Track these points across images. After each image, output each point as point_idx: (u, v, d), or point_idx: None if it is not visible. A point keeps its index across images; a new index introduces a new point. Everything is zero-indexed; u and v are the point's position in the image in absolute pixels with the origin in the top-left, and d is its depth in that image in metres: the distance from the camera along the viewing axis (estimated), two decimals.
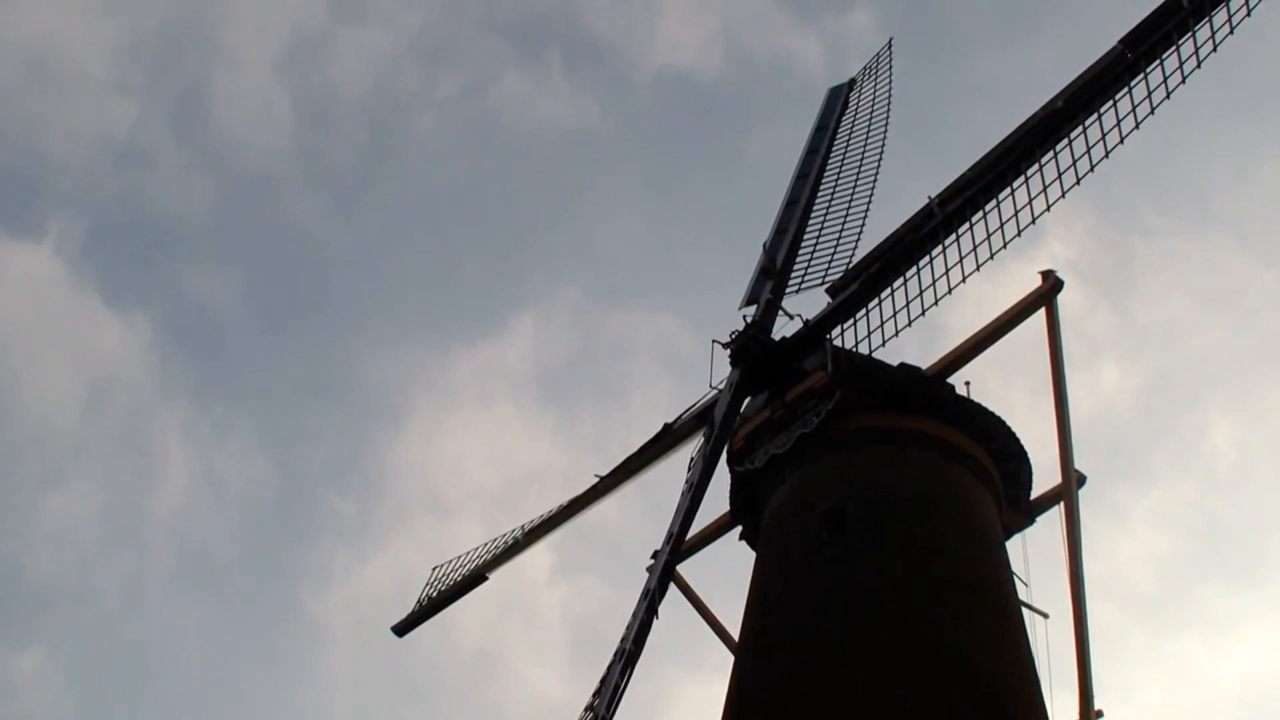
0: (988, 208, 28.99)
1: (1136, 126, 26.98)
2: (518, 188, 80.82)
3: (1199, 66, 26.85)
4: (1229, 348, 69.79)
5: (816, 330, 30.52)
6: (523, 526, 35.54)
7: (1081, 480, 29.54)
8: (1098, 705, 27.50)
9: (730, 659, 29.24)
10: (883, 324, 29.58)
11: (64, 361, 78.58)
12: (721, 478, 30.73)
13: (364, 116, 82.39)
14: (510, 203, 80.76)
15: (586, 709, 26.57)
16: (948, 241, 29.27)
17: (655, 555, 29.67)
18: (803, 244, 32.92)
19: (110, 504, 78.76)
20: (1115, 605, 69.18)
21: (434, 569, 37.03)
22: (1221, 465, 70.87)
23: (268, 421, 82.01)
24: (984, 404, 29.68)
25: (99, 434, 79.82)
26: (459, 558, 36.48)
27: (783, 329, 31.06)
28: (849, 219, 32.61)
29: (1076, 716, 27.22)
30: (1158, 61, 27.54)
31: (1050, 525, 29.52)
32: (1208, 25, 26.96)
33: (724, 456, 30.11)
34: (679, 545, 28.81)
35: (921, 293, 29.25)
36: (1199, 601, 74.07)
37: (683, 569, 32.19)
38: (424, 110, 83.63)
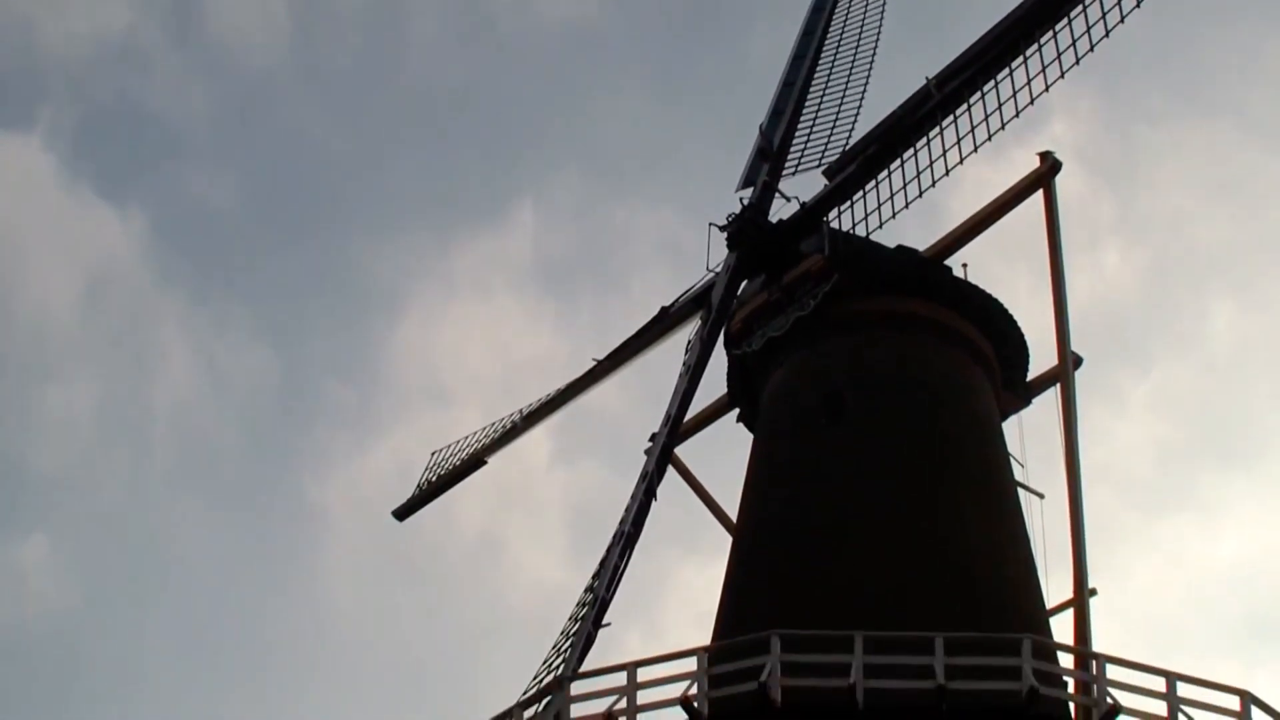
0: (986, 88, 28.72)
1: (1138, 4, 26.65)
2: (516, 81, 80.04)
3: None
4: (1231, 236, 69.60)
5: (814, 213, 30.38)
6: (521, 411, 35.70)
7: (1078, 362, 29.63)
8: (1092, 584, 27.82)
9: (728, 540, 29.58)
10: (880, 206, 29.46)
11: (61, 256, 78.36)
12: (719, 361, 30.83)
13: (362, 13, 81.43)
14: (508, 96, 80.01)
15: (587, 590, 26.86)
16: (945, 123, 29.05)
17: (653, 438, 29.83)
18: (799, 126, 32.60)
19: (110, 397, 78.96)
20: (1110, 487, 69.81)
21: (433, 454, 37.28)
22: (1219, 351, 71.07)
23: (266, 313, 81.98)
24: (982, 287, 29.67)
25: (98, 328, 79.85)
26: (458, 442, 36.73)
27: (780, 212, 30.93)
28: (846, 100, 32.27)
29: (1071, 595, 27.54)
30: None
31: (1047, 408, 29.68)
32: None
33: (721, 340, 30.15)
34: (677, 428, 28.96)
35: (919, 175, 29.11)
36: (1193, 484, 74.71)
37: (681, 452, 32.39)
38: (422, 6, 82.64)
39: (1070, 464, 28.42)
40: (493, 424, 36.26)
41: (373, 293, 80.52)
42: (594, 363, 34.24)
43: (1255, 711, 20.17)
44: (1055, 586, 27.56)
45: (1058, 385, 29.08)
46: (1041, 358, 29.89)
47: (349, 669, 72.66)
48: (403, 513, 37.35)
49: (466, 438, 36.60)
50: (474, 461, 35.95)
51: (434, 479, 36.65)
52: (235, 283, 78.74)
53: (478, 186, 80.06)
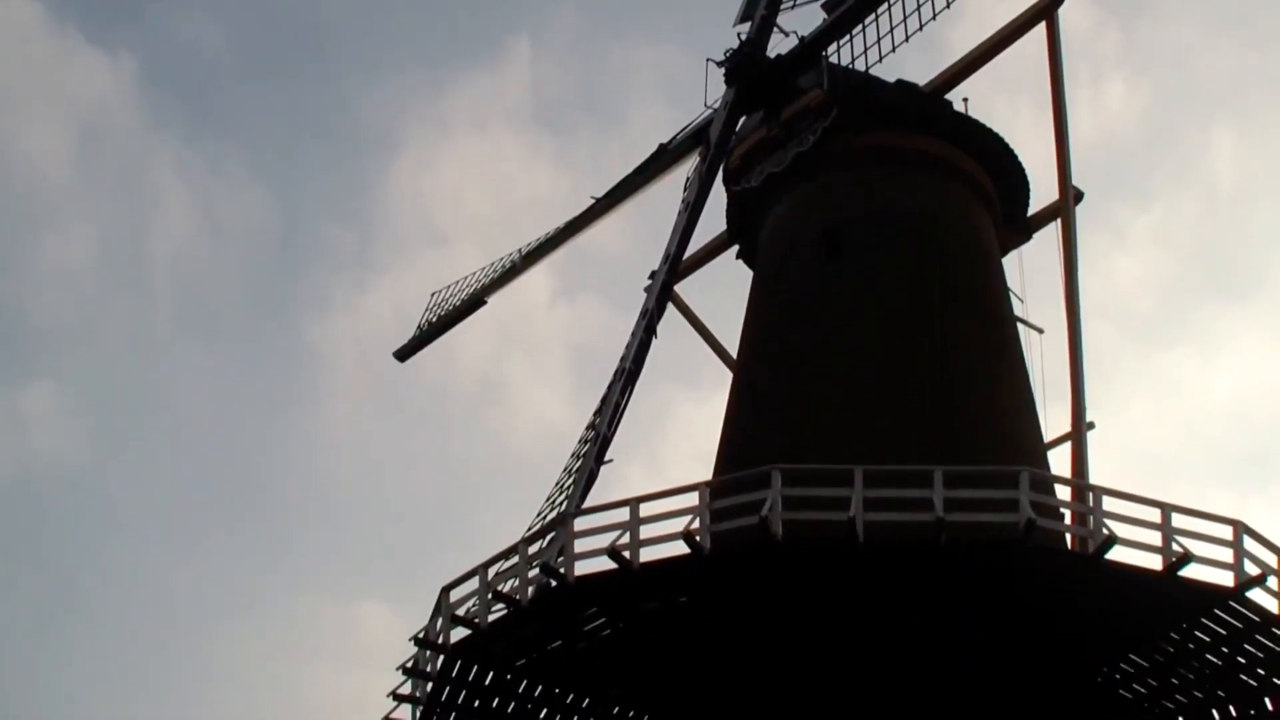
0: None
1: None
2: None
3: None
4: (1236, 69, 68.76)
5: (812, 47, 29.98)
6: (520, 250, 35.60)
7: (1079, 197, 29.50)
8: (1089, 417, 28.04)
9: (729, 377, 29.74)
10: (879, 40, 29.05)
11: (53, 105, 77.35)
12: (718, 198, 30.69)
13: None
14: None
15: (589, 427, 27.08)
16: None
17: (653, 276, 29.80)
18: None
19: (108, 246, 78.69)
20: (1110, 322, 70.04)
21: (433, 294, 37.25)
22: (1222, 185, 70.74)
23: (262, 156, 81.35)
24: (983, 122, 29.41)
25: (93, 176, 79.28)
26: (457, 283, 36.68)
27: (778, 47, 30.51)
28: None
29: (1069, 428, 27.78)
30: None
31: (1047, 243, 29.64)
32: None
33: (720, 176, 29.96)
34: (676, 265, 28.92)
35: (919, 7, 28.63)
36: (1192, 318, 74.94)
37: (681, 289, 32.40)
38: None
39: (1070, 299, 28.45)
40: (492, 264, 36.19)
41: (368, 133, 79.82)
42: (593, 201, 34.04)
43: (1248, 541, 20.44)
44: (1053, 420, 27.82)
45: (1058, 220, 29.00)
46: (1042, 192, 29.79)
47: (353, 510, 73.62)
48: (403, 354, 37.44)
49: (466, 278, 36.55)
50: (474, 302, 35.94)
51: (434, 320, 36.67)
52: (230, 126, 78.14)
53: (473, 23, 78.98)
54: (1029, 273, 29.67)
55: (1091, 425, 27.91)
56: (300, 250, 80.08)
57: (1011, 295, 28.69)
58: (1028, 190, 29.76)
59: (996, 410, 25.50)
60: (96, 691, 67.07)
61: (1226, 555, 20.41)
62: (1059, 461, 27.59)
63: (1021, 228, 29.84)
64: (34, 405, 74.58)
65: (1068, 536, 22.84)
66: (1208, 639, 21.14)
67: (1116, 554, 19.99)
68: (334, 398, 76.30)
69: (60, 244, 75.86)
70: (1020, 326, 28.32)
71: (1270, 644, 20.77)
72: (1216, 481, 68.56)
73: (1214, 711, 22.51)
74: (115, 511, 73.31)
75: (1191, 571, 20.08)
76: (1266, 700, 21.76)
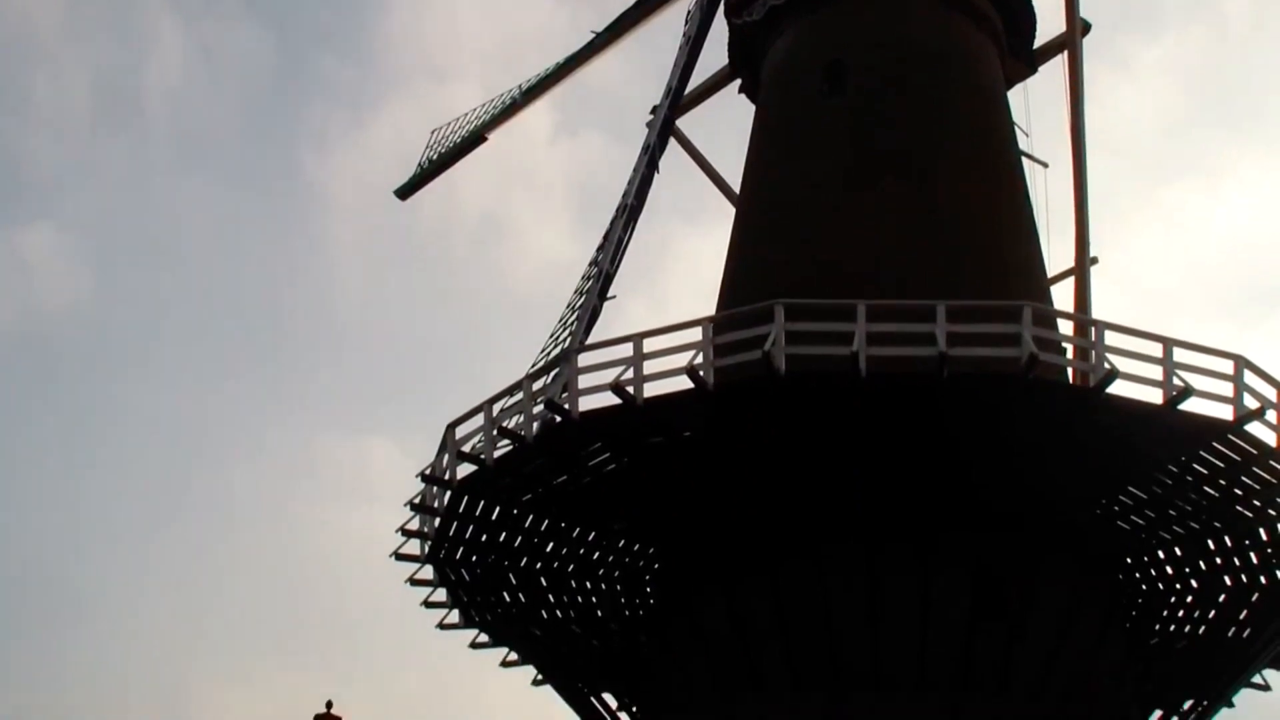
0: None
1: None
2: None
3: None
4: None
5: None
6: (520, 86, 35.21)
7: (1087, 29, 29.06)
8: (1093, 252, 28.01)
9: (732, 211, 29.58)
10: None
11: None
12: (720, 31, 30.25)
13: None
14: None
15: (591, 264, 27.06)
16: None
17: (654, 111, 29.51)
18: None
19: (102, 85, 77.89)
20: (1115, 156, 69.49)
21: (433, 132, 36.89)
22: (1233, 17, 69.64)
23: None
24: None
25: (84, 14, 78.15)
26: (458, 120, 36.34)
27: None
28: None
29: (1072, 263, 27.75)
30: None
31: (1053, 76, 29.27)
32: None
33: (722, 9, 29.49)
34: (678, 100, 28.63)
35: None
36: (1199, 152, 74.39)
37: (683, 124, 32.04)
38: None
39: (1075, 132, 28.24)
40: (492, 100, 35.84)
41: None
42: (593, 35, 33.56)
43: (1248, 375, 20.51)
44: (1057, 255, 27.77)
45: (1065, 53, 28.64)
46: (1049, 25, 29.31)
47: (359, 348, 73.91)
48: (404, 192, 37.21)
49: (466, 114, 36.22)
50: (474, 138, 35.62)
51: (434, 157, 36.38)
52: None
53: None
54: (1034, 106, 29.37)
55: (1095, 260, 27.91)
56: (298, 86, 79.32)
57: (1016, 129, 28.42)
58: (1034, 22, 29.29)
59: (1000, 245, 25.42)
60: (109, 530, 68.09)
61: (1226, 389, 20.50)
62: (1062, 296, 27.66)
63: (1027, 61, 29.43)
64: (36, 248, 74.49)
65: (1069, 371, 22.94)
66: (1205, 472, 21.35)
67: (1117, 388, 20.08)
68: (336, 236, 76.20)
69: (54, 85, 75.05)
70: (1025, 161, 28.10)
71: (1267, 476, 20.99)
72: (1219, 316, 68.78)
73: (1209, 542, 22.86)
74: (121, 353, 73.68)
75: (1191, 405, 20.19)
76: (1261, 531, 22.08)
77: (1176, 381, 20.01)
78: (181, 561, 66.21)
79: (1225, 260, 71.29)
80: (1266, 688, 26.00)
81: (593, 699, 25.76)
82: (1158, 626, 24.75)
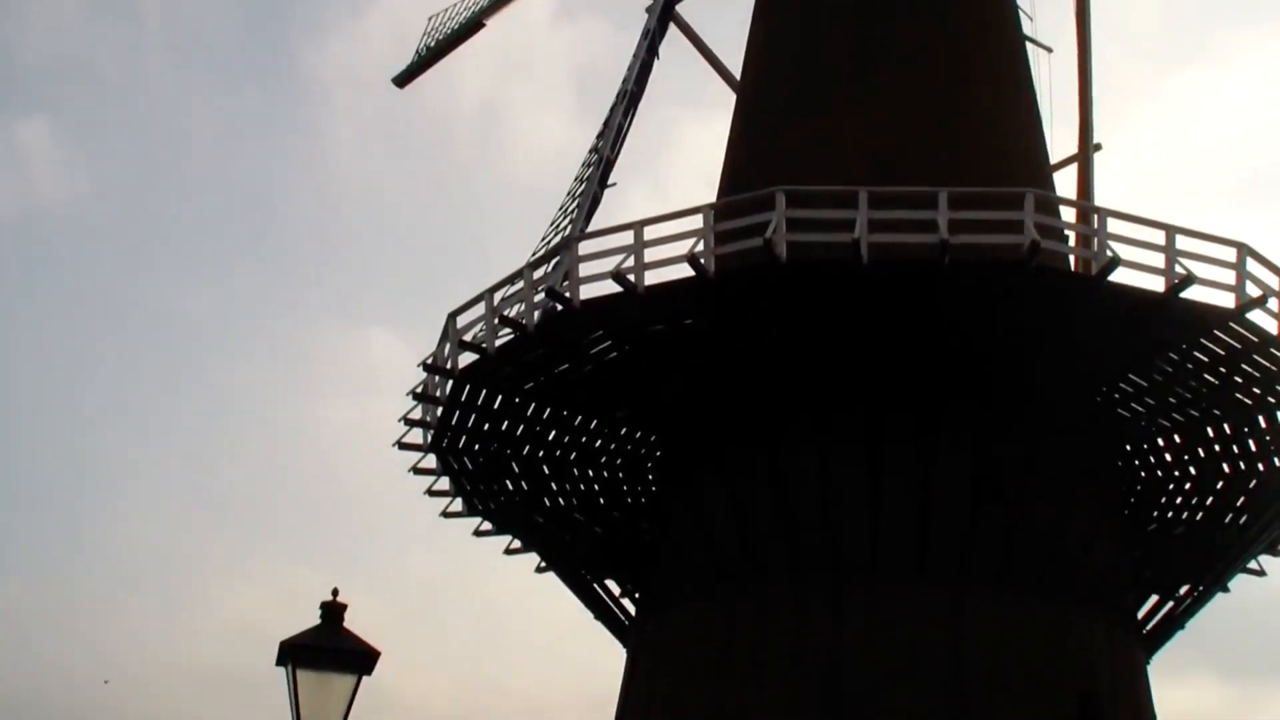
0: None
1: None
2: None
3: None
4: None
5: None
6: None
7: None
8: (1097, 139, 27.79)
9: (732, 98, 29.30)
10: None
11: None
12: None
13: None
14: None
15: (591, 151, 26.93)
16: None
17: None
18: None
19: None
20: (1120, 41, 68.77)
21: (430, 18, 36.39)
22: None
23: None
24: None
25: None
26: (455, 5, 35.86)
27: None
28: None
29: (1076, 149, 27.55)
30: None
31: None
32: None
33: None
34: None
35: None
36: (1204, 38, 73.57)
37: (683, 10, 31.62)
38: None
39: (1080, 17, 27.93)
40: None
41: None
42: None
43: (1250, 263, 20.45)
44: (1060, 141, 27.55)
45: None
46: None
47: (358, 239, 73.72)
48: (402, 80, 36.79)
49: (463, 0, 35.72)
50: (472, 24, 35.15)
51: (432, 44, 35.94)
52: None
53: None
54: None
55: (1098, 147, 27.72)
56: None
57: (1020, 13, 28.06)
58: None
59: (1002, 131, 25.23)
60: (109, 424, 68.39)
61: (1229, 277, 20.45)
62: (1065, 183, 27.49)
63: None
64: (32, 143, 73.99)
65: (1071, 258, 22.88)
66: (1206, 360, 21.39)
67: (1119, 276, 20.04)
68: (334, 125, 75.68)
69: None
70: (1028, 46, 27.78)
71: (1267, 364, 21.02)
72: (1222, 204, 68.43)
73: (1208, 430, 22.96)
74: (119, 248, 73.56)
75: (1193, 293, 20.16)
76: (1260, 418, 22.15)
77: (1179, 269, 19.96)
78: (182, 456, 66.62)
79: (1230, 147, 70.82)
80: (1262, 573, 26.27)
81: (595, 586, 26.04)
82: (1156, 513, 24.97)
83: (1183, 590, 24.50)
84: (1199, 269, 20.15)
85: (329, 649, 10.20)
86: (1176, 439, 23.51)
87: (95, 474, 66.45)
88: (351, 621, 10.41)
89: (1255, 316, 20.49)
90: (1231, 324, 20.52)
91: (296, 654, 10.12)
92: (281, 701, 10.10)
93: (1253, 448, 22.75)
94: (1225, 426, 22.70)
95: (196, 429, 68.16)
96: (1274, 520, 23.48)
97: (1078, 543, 21.66)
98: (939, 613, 21.19)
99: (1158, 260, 20.14)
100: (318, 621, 10.38)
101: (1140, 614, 24.17)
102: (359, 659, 10.23)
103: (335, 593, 10.52)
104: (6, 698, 49.12)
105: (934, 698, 20.57)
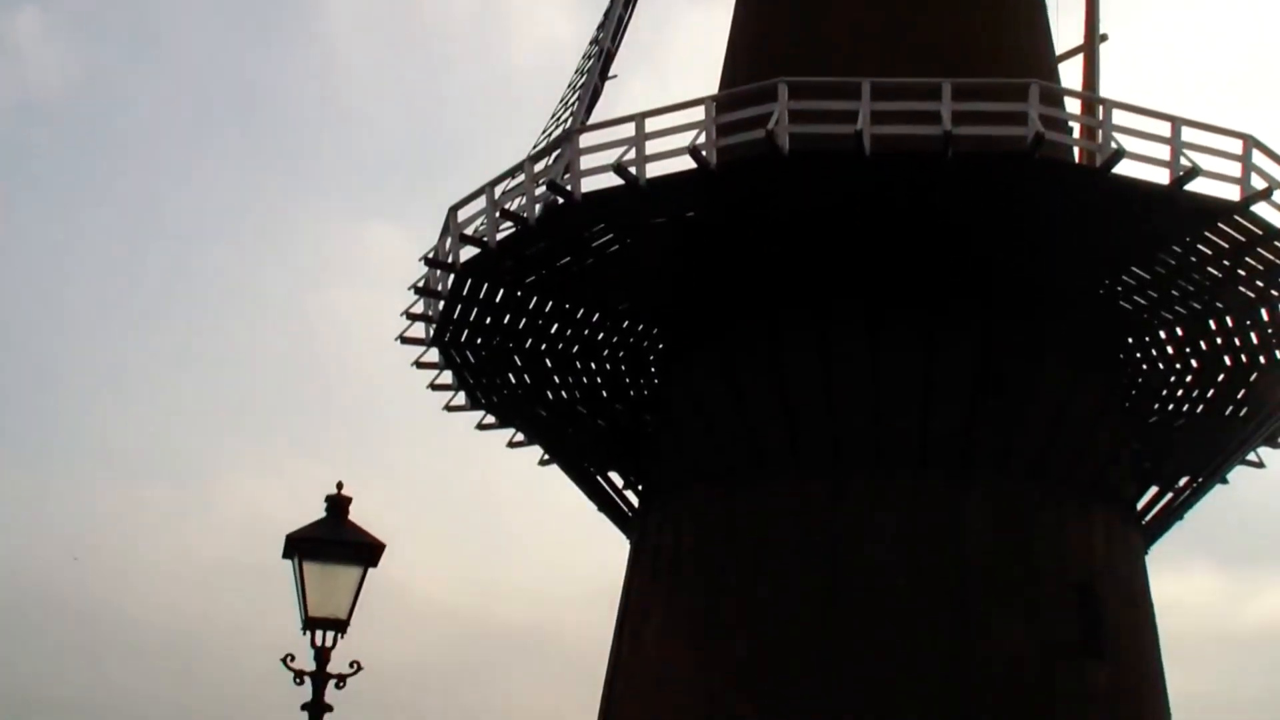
0: None
1: None
2: None
3: None
4: None
5: None
6: None
7: None
8: (1103, 29, 27.43)
9: None
10: None
11: None
12: None
13: None
14: None
15: (591, 42, 26.65)
16: None
17: None
18: None
19: None
20: None
21: None
22: None
23: None
24: None
25: None
26: None
27: None
28: None
29: (1082, 40, 27.22)
30: None
31: None
32: None
33: None
34: None
35: None
36: None
37: None
38: None
39: None
40: None
41: None
42: None
43: (1256, 155, 20.32)
44: (1066, 33, 27.21)
45: None
46: None
47: (358, 132, 73.22)
48: None
49: None
50: None
51: None
52: None
53: None
54: None
55: (1104, 37, 27.32)
56: None
57: None
58: None
59: (1007, 22, 24.93)
60: (97, 323, 68.32)
61: (1234, 169, 20.36)
62: (1070, 74, 27.18)
63: None
64: (23, 31, 73.17)
65: (1076, 150, 22.71)
66: (1210, 252, 21.35)
67: (1124, 168, 19.93)
68: (334, 15, 74.81)
69: None
70: None
71: (1271, 257, 20.97)
72: (1229, 96, 67.76)
73: (1211, 322, 22.97)
74: (114, 136, 73.01)
75: (1198, 186, 20.09)
76: (1262, 311, 22.15)
77: (1184, 161, 19.86)
78: (180, 350, 66.62)
79: (1238, 39, 69.97)
80: (1261, 465, 26.43)
81: (598, 478, 26.20)
82: (1157, 406, 25.06)
83: (1182, 482, 24.63)
84: (1204, 161, 20.06)
85: (334, 541, 10.30)
86: (1179, 331, 23.53)
87: (99, 370, 66.55)
88: (356, 515, 10.50)
89: (1260, 209, 20.42)
90: (1236, 217, 20.45)
91: (302, 547, 10.23)
92: (289, 594, 10.21)
93: (1255, 340, 22.78)
94: (1228, 319, 22.71)
95: (194, 321, 68.14)
96: (1274, 413, 23.57)
97: (1078, 434, 21.76)
98: (939, 502, 21.38)
99: (1163, 152, 20.03)
100: (323, 515, 10.47)
101: (1139, 505, 24.33)
102: (364, 551, 10.34)
103: (339, 486, 10.59)
104: (20, 597, 49.69)
105: (933, 587, 20.81)
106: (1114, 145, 19.83)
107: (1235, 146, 20.44)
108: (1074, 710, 20.75)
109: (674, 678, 21.93)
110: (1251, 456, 25.80)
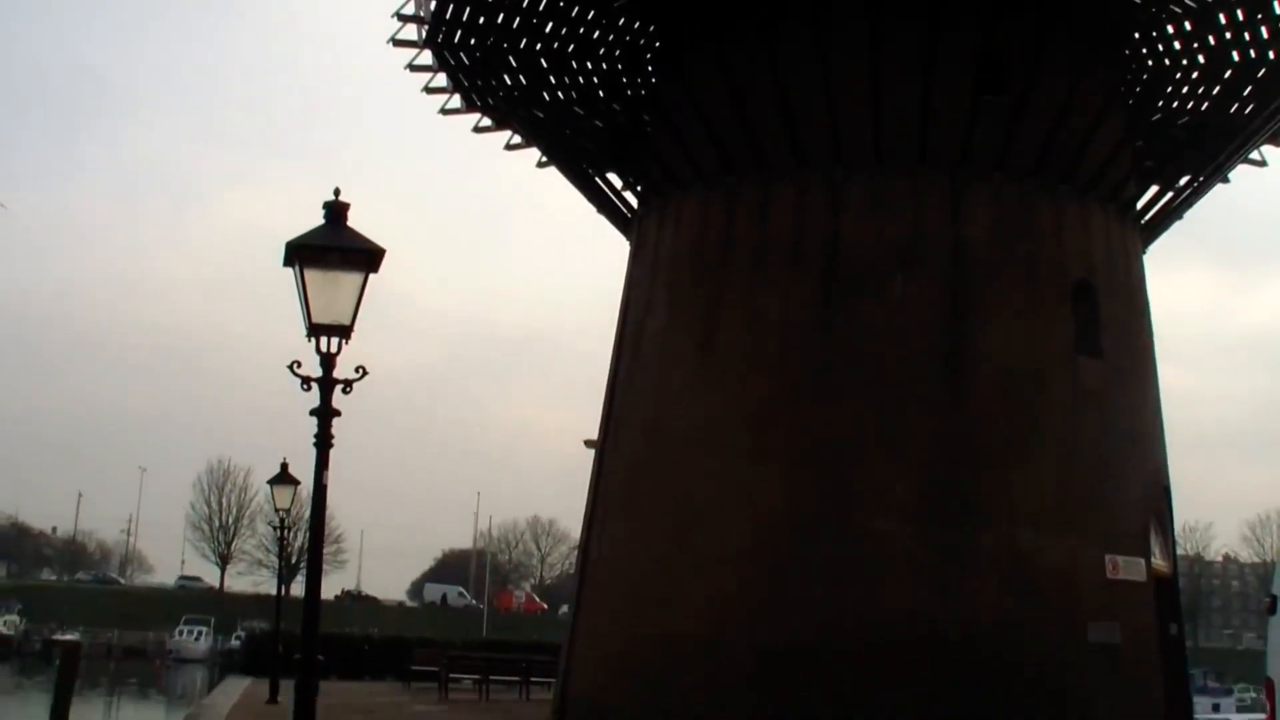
0: None
1: None
2: None
3: None
4: None
5: None
6: None
7: None
8: None
9: None
10: None
11: None
12: None
13: None
14: None
15: None
16: None
17: None
18: None
19: None
20: None
21: None
22: None
23: None
24: None
25: None
26: None
27: None
28: None
29: None
30: None
31: None
32: None
33: None
34: None
35: None
36: None
37: None
38: None
39: None
40: None
41: None
42: None
43: None
44: None
45: None
46: None
47: None
48: None
49: None
50: None
51: None
52: None
53: None
54: None
55: None
56: None
57: None
58: None
59: None
60: (109, 35, 66.51)
61: None
62: None
63: None
64: None
65: None
66: None
67: None
68: None
69: None
70: None
71: None
72: None
73: (1220, 16, 22.44)
74: None
75: None
76: (1275, 3, 21.58)
77: None
78: (176, 62, 65.30)
79: None
80: (1263, 163, 26.23)
81: (597, 179, 26.04)
82: (1160, 103, 24.71)
83: (1182, 181, 24.50)
84: None
85: (334, 247, 10.23)
86: (1186, 26, 23.02)
87: (94, 87, 65.31)
88: (354, 224, 10.41)
89: None
90: None
91: (303, 254, 10.18)
92: (293, 302, 10.23)
93: (1264, 35, 22.29)
94: (1238, 12, 22.16)
95: (193, 33, 66.68)
96: (1279, 111, 23.24)
97: (1080, 132, 21.49)
98: (939, 200, 21.30)
99: None
100: (322, 223, 10.39)
101: (1139, 204, 24.24)
102: (365, 256, 10.29)
103: (337, 192, 10.47)
104: (23, 313, 49.96)
105: (932, 285, 20.90)
106: None
107: None
108: (1067, 405, 21.10)
109: (674, 385, 22.20)
110: (1254, 155, 25.57)
